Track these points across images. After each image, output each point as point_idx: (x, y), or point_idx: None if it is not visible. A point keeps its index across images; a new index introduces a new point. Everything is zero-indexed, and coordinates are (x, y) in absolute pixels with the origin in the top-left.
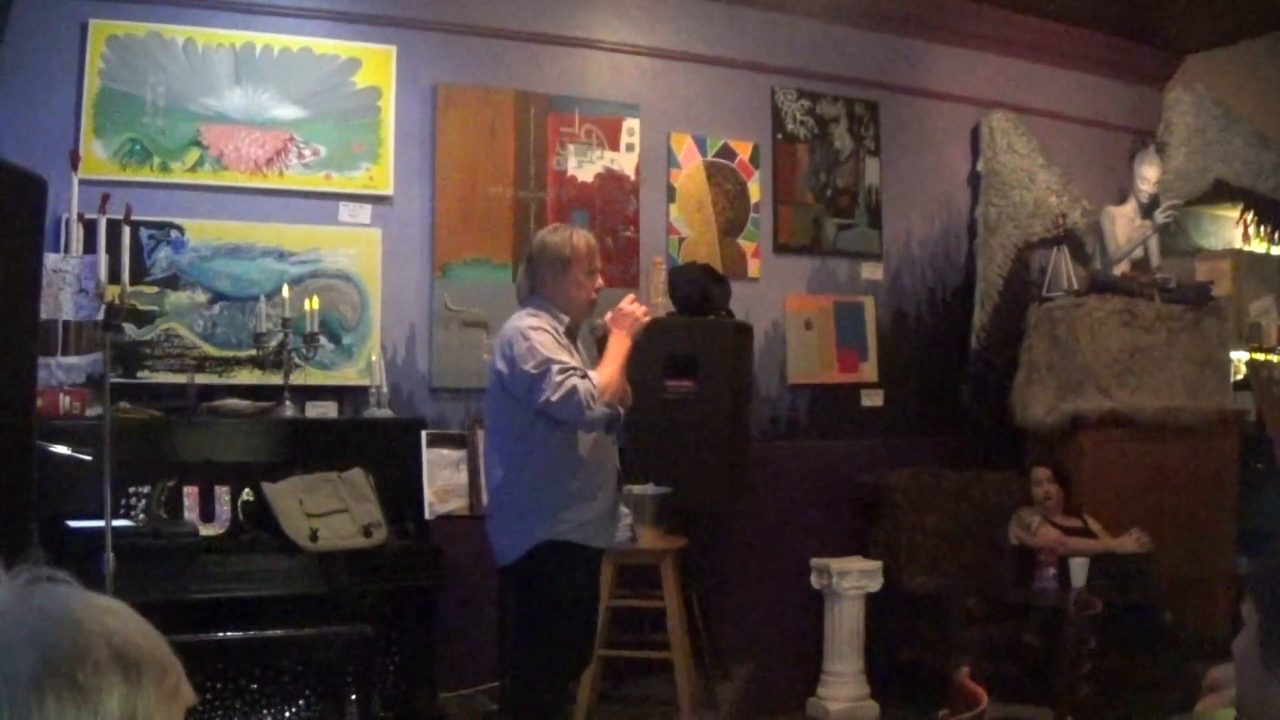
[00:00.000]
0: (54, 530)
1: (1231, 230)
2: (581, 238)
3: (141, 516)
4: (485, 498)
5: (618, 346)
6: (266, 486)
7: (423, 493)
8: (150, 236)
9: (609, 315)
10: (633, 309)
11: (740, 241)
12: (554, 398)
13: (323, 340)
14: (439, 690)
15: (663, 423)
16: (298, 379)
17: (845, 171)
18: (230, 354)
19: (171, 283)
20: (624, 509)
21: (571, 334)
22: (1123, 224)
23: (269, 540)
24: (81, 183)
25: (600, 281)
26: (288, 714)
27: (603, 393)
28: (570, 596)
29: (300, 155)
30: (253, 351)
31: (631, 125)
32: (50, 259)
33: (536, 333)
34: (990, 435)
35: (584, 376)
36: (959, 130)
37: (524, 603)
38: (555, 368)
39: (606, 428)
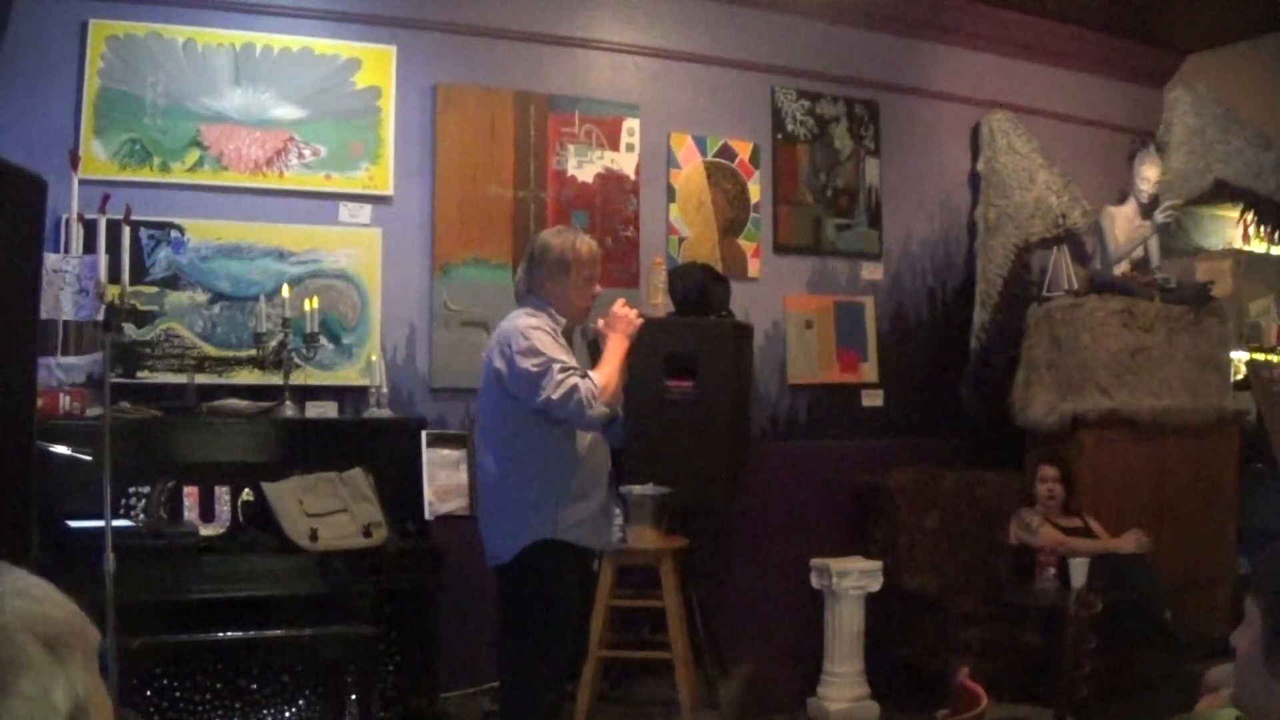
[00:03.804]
0: (54, 530)
1: (1231, 230)
2: (585, 244)
3: (141, 516)
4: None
5: (615, 348)
6: (266, 486)
7: (423, 493)
8: (150, 236)
9: (601, 321)
10: (626, 312)
11: (740, 241)
12: (555, 396)
13: (323, 340)
14: (439, 690)
15: (663, 423)
16: (298, 379)
17: (845, 171)
18: (230, 354)
19: (171, 283)
20: (617, 509)
21: (567, 336)
22: (1123, 224)
23: (269, 540)
24: (81, 183)
25: (598, 288)
26: (288, 714)
27: (602, 392)
28: (564, 596)
29: (300, 155)
30: (253, 351)
31: (631, 125)
32: (50, 259)
33: (536, 332)
34: (990, 435)
35: (584, 376)
36: (959, 130)
37: (518, 602)
38: (557, 366)
39: (604, 428)
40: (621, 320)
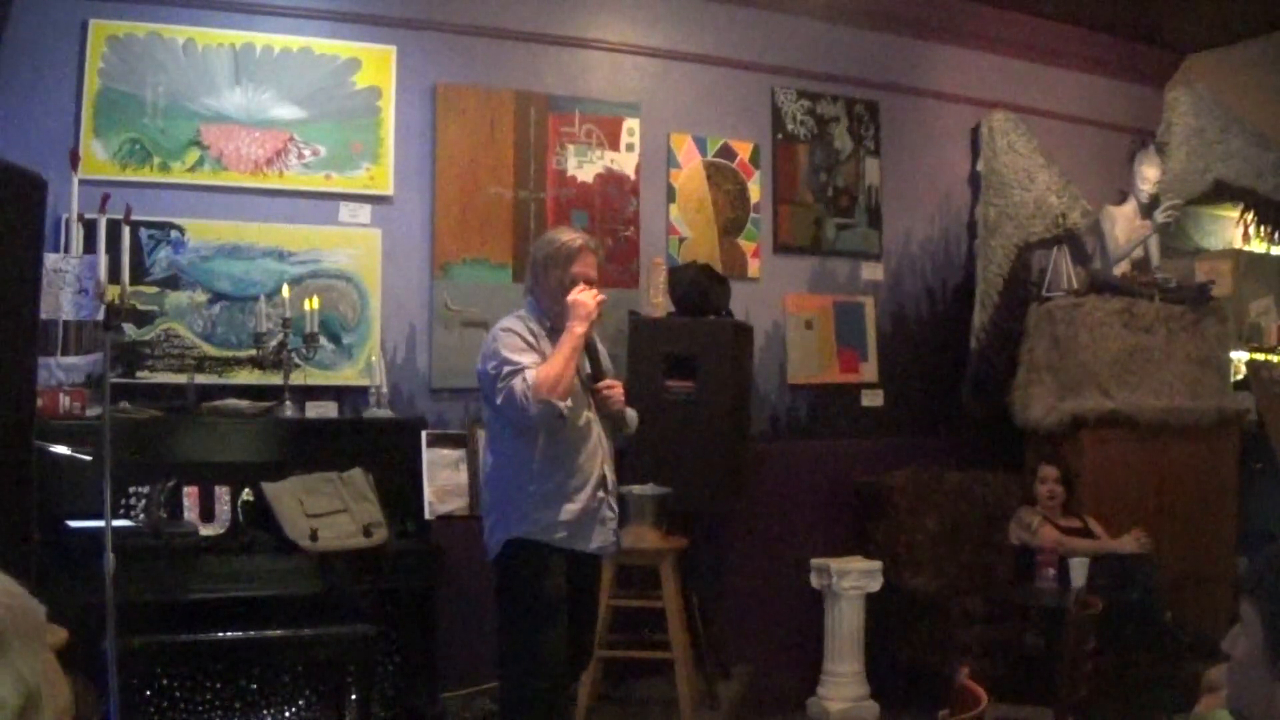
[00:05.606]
0: (54, 530)
1: (1231, 230)
2: (565, 241)
3: (141, 516)
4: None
5: (567, 339)
6: (266, 486)
7: (423, 493)
8: (150, 236)
9: None
10: (581, 298)
11: (740, 241)
12: (499, 401)
13: (323, 340)
14: (439, 690)
15: (663, 423)
16: (298, 379)
17: (845, 171)
18: (230, 354)
19: (171, 283)
20: (609, 513)
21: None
22: (1123, 224)
23: (269, 540)
24: (81, 183)
25: (583, 289)
26: (288, 714)
27: (538, 388)
28: (544, 596)
29: (300, 155)
30: (253, 351)
31: (631, 125)
32: (50, 259)
33: (507, 334)
34: (990, 435)
35: (522, 375)
36: (959, 130)
37: (502, 599)
38: (506, 369)
39: (561, 417)
40: (577, 306)
